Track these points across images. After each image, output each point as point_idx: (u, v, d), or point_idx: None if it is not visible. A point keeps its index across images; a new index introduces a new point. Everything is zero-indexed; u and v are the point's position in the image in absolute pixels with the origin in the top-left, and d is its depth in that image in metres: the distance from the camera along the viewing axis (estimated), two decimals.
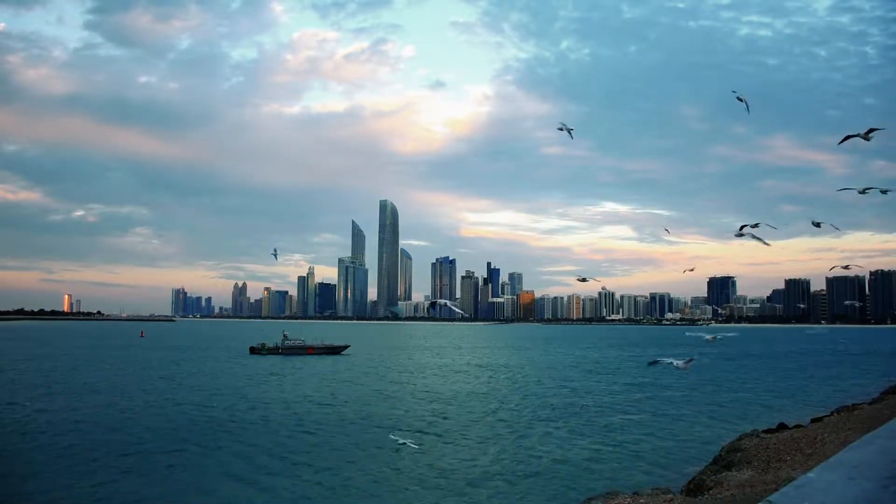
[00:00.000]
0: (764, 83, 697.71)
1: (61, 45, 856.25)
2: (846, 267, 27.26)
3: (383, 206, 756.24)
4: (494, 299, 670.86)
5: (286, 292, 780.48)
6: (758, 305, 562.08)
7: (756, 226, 21.89)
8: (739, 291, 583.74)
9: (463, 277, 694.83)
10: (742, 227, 22.78)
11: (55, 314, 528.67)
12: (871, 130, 17.92)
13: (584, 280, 28.64)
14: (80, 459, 27.22)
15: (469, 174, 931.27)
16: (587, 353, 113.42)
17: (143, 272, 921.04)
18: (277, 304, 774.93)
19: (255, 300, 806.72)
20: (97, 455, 27.94)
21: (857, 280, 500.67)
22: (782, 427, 29.15)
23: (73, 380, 58.88)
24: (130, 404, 43.34)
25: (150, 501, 21.97)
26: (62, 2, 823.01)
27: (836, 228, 22.07)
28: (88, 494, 22.46)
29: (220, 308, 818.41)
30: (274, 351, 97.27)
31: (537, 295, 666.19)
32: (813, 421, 30.65)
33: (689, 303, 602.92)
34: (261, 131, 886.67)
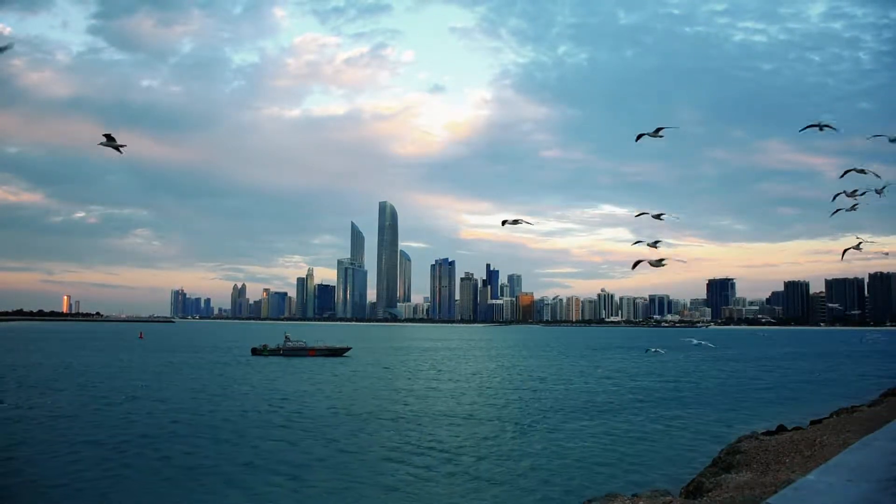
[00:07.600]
0: (759, 88, 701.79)
1: (65, 48, 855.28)
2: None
3: (383, 207, 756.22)
4: (493, 301, 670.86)
5: (285, 294, 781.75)
6: (757, 308, 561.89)
7: (659, 216, 21.50)
8: (738, 293, 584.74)
9: (462, 279, 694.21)
10: (639, 214, 21.73)
11: (54, 315, 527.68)
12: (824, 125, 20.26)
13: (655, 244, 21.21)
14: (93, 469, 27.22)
15: (468, 177, 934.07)
16: (594, 357, 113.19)
17: (143, 273, 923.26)
18: (276, 305, 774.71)
19: (255, 301, 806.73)
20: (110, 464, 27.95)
21: (857, 282, 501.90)
22: (781, 429, 29.17)
23: (74, 381, 58.84)
24: (134, 407, 43.30)
25: None
26: (67, 6, 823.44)
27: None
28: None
29: (220, 309, 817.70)
30: (276, 352, 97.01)
31: (536, 297, 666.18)
32: (812, 423, 30.67)
33: (688, 304, 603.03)
34: (261, 134, 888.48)
